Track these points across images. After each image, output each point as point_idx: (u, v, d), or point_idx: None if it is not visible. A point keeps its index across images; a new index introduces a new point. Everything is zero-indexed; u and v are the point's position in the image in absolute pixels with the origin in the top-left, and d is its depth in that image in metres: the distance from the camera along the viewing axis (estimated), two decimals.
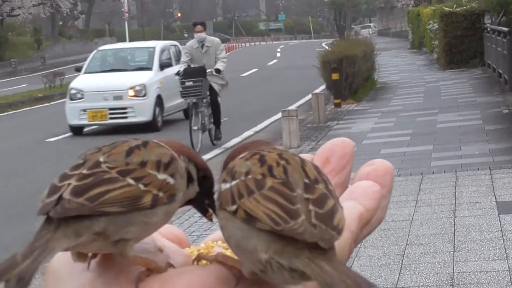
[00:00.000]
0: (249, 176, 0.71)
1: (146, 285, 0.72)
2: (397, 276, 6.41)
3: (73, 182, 0.71)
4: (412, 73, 28.16)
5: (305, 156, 0.83)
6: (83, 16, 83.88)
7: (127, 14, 46.92)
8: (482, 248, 6.90)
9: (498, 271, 6.29)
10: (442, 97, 19.36)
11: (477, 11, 26.51)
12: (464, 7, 26.95)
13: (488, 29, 24.36)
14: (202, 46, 14.63)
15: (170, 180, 0.74)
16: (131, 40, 45.00)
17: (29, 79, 41.79)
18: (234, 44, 71.90)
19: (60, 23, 73.03)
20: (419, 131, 14.05)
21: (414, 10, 43.36)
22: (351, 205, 0.76)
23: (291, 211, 0.69)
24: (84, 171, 0.72)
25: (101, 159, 0.73)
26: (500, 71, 20.87)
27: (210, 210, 0.80)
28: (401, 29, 67.09)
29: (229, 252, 0.76)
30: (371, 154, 12.16)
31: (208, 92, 14.39)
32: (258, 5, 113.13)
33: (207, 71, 14.14)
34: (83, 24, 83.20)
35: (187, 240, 0.84)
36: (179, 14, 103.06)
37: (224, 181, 0.73)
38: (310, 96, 18.23)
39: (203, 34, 14.75)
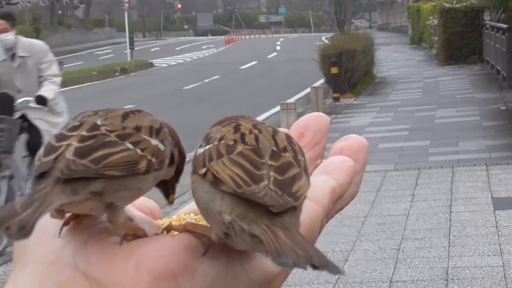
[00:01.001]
0: (222, 142, 0.73)
1: (114, 253, 0.72)
2: (392, 270, 6.44)
3: (74, 143, 0.72)
4: (411, 68, 28.16)
5: (281, 130, 0.84)
6: (82, 5, 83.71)
7: (127, 5, 46.79)
8: (477, 244, 6.93)
9: (493, 266, 6.32)
10: (441, 93, 19.37)
11: (477, 7, 26.52)
12: (464, 4, 26.95)
13: (488, 25, 24.36)
14: (12, 57, 8.31)
15: (161, 146, 0.75)
16: (130, 31, 44.94)
17: None
18: (234, 37, 71.80)
19: (60, 12, 72.90)
20: (417, 126, 14.07)
21: (414, 5, 43.32)
22: (324, 179, 0.77)
23: (255, 175, 0.70)
24: (84, 133, 0.72)
25: (99, 122, 0.74)
26: (499, 68, 20.89)
27: (172, 194, 0.81)
28: (401, 24, 67.02)
29: (201, 224, 0.77)
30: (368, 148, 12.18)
31: (24, 139, 8.31)
32: None
33: (19, 101, 8.06)
34: (83, 13, 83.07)
35: (159, 212, 0.84)
36: (179, 5, 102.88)
37: (200, 146, 0.74)
38: (309, 89, 18.25)
39: (10, 36, 8.27)
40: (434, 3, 32.30)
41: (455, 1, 27.44)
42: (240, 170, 0.70)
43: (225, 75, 31.54)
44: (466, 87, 20.16)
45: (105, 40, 71.63)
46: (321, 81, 22.22)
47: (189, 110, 19.87)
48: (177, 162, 0.80)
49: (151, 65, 41.04)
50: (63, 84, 29.31)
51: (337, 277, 6.40)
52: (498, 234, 7.16)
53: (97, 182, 0.71)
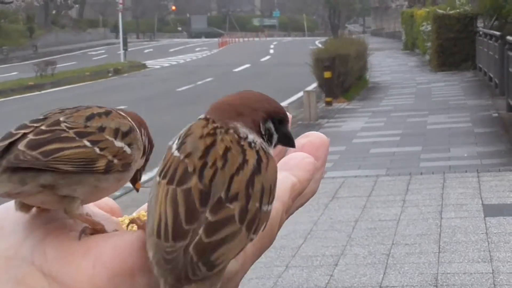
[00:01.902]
0: (186, 160, 0.71)
1: (72, 249, 0.72)
2: (382, 275, 6.44)
3: (30, 135, 0.72)
4: (404, 74, 28.19)
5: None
6: (77, 5, 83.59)
7: (121, 5, 46.73)
8: (467, 250, 6.93)
9: (482, 273, 6.33)
10: (433, 99, 19.39)
11: (470, 14, 26.58)
12: (458, 10, 27.01)
13: (481, 32, 24.41)
14: None
15: (127, 149, 0.76)
16: (124, 31, 44.90)
17: (20, 67, 41.66)
18: (228, 39, 71.79)
19: (54, 12, 72.77)
20: (409, 131, 14.08)
21: (408, 11, 43.39)
22: (284, 176, 0.77)
23: (180, 230, 0.68)
24: (43, 127, 0.73)
25: (62, 119, 0.74)
26: (491, 75, 20.93)
27: (139, 181, 0.82)
28: (395, 29, 67.12)
29: None
30: (360, 153, 12.19)
31: None
32: (252, 1, 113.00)
33: None
34: (77, 14, 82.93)
35: (119, 210, 0.84)
36: (173, 7, 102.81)
37: (173, 142, 0.74)
38: (301, 93, 18.24)
39: None
40: (428, 9, 32.35)
41: (448, 8, 27.49)
42: (172, 215, 0.69)
43: (218, 77, 31.53)
44: (458, 93, 20.19)
45: (99, 40, 71.53)
46: (314, 85, 22.22)
47: (181, 111, 19.85)
48: (147, 153, 0.81)
49: (144, 66, 41.00)
50: (56, 84, 29.06)
51: (327, 281, 6.39)
52: (488, 241, 7.16)
53: (47, 174, 0.71)
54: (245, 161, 0.72)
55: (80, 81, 31.90)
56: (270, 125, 0.77)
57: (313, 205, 8.87)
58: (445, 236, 7.38)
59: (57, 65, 33.53)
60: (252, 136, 0.75)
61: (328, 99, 19.42)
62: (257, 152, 0.73)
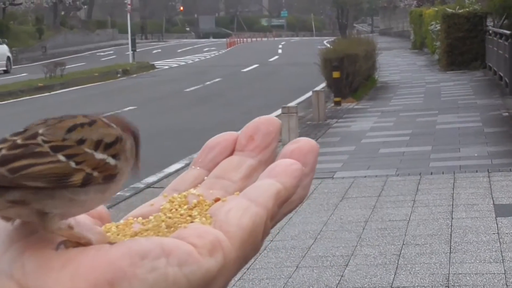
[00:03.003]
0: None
1: (50, 262, 0.71)
2: (393, 276, 6.41)
3: (4, 150, 0.70)
4: (413, 73, 28.15)
5: (229, 133, 0.84)
6: (85, 7, 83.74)
7: (129, 6, 46.80)
8: (479, 250, 6.89)
9: (494, 273, 6.29)
10: (442, 98, 19.35)
11: (480, 13, 26.51)
12: (467, 9, 26.94)
13: (490, 31, 24.35)
14: None
15: (110, 161, 0.73)
16: (133, 32, 44.97)
17: (29, 68, 41.77)
18: (236, 39, 71.82)
19: (62, 13, 72.94)
20: (419, 131, 14.04)
21: (416, 10, 43.34)
22: (269, 183, 0.76)
23: None
24: (19, 141, 0.71)
25: (40, 131, 0.72)
26: (501, 74, 20.86)
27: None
28: (403, 29, 67.04)
29: (149, 227, 0.76)
30: (370, 153, 12.16)
31: None
32: (260, 1, 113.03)
33: None
34: (85, 15, 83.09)
35: (108, 216, 0.83)
36: (181, 8, 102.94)
37: None
38: (310, 93, 18.22)
39: None
40: (436, 8, 32.29)
41: (457, 7, 27.43)
42: None
43: (226, 77, 31.53)
44: (468, 93, 20.14)
45: (107, 41, 71.68)
46: (323, 85, 22.19)
47: (190, 112, 19.85)
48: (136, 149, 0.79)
49: (153, 67, 41.04)
50: (66, 85, 29.41)
51: (337, 282, 6.37)
52: (499, 241, 7.12)
53: (15, 191, 0.70)
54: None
55: (89, 82, 31.95)
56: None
57: (323, 205, 8.85)
58: (456, 236, 7.35)
59: (66, 66, 33.59)
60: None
61: (337, 99, 19.40)
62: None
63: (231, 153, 0.84)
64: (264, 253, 7.12)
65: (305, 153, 0.80)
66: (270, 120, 0.84)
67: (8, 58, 42.22)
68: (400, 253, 6.95)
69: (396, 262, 6.73)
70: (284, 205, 0.77)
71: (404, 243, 7.26)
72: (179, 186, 0.83)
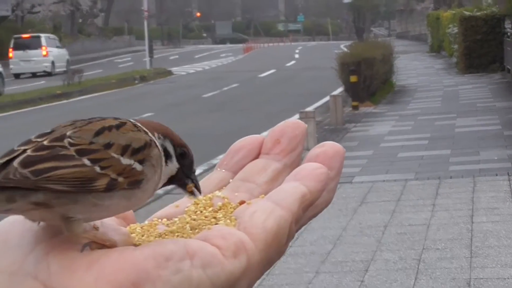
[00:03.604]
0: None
1: (75, 264, 0.71)
2: (413, 280, 6.37)
3: (29, 151, 0.70)
4: (430, 76, 28.06)
5: (254, 136, 0.84)
6: (102, 14, 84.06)
7: (146, 13, 46.91)
8: (500, 255, 6.84)
9: None
10: (461, 101, 19.27)
11: (498, 15, 26.39)
12: (485, 11, 26.84)
13: (509, 33, 24.23)
14: None
15: (137, 166, 0.73)
16: (150, 38, 45.11)
17: (47, 75, 41.97)
18: (253, 45, 71.87)
19: (80, 20, 73.26)
20: (437, 135, 13.98)
21: (433, 13, 43.22)
22: (294, 186, 0.76)
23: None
24: (45, 142, 0.71)
25: (68, 133, 0.72)
26: None
27: (190, 183, 0.79)
28: (420, 32, 66.89)
29: (173, 229, 0.76)
30: (388, 157, 12.12)
31: None
32: (277, 6, 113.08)
33: None
34: (103, 22, 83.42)
35: (132, 216, 0.83)
36: (198, 14, 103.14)
37: None
38: (327, 98, 18.20)
39: None
40: (454, 11, 32.20)
41: (475, 9, 27.32)
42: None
43: (243, 83, 31.55)
44: (486, 95, 20.04)
45: (124, 48, 71.91)
46: (340, 89, 22.15)
47: (208, 117, 19.87)
48: (176, 155, 0.78)
49: (170, 73, 41.12)
50: (84, 92, 29.63)
51: (357, 287, 6.34)
52: None
53: (38, 193, 0.69)
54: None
55: (107, 89, 32.05)
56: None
57: (342, 210, 8.82)
58: (477, 241, 7.30)
59: (84, 73, 33.71)
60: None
61: (355, 103, 19.36)
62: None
63: (257, 156, 0.84)
64: (284, 259, 7.10)
65: (331, 157, 0.80)
66: (296, 123, 0.84)
67: (68, 60, 44.60)
68: (420, 258, 6.91)
69: (417, 267, 6.70)
70: (309, 209, 0.78)
71: (424, 247, 7.22)
72: (204, 188, 0.82)
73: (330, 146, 0.81)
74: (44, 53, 43.62)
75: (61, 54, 44.93)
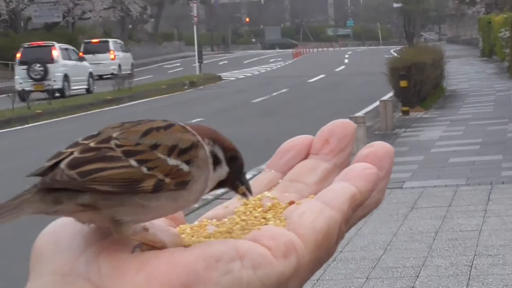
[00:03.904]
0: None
1: (126, 265, 0.71)
2: (465, 287, 6.31)
3: (76, 153, 0.70)
4: (482, 81, 27.78)
5: (304, 137, 0.84)
6: (152, 19, 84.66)
7: (195, 18, 47.09)
8: None
9: None
10: None
11: None
12: None
13: None
14: None
15: (184, 167, 0.73)
16: (199, 44, 45.37)
17: (97, 81, 42.40)
18: (302, 50, 71.80)
19: (130, 26, 73.88)
20: (489, 140, 13.84)
21: (485, 17, 42.81)
22: (344, 186, 0.76)
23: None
24: (92, 144, 0.71)
25: (114, 135, 0.72)
26: None
27: (241, 185, 0.78)
28: (471, 36, 66.28)
29: (222, 230, 0.76)
30: (439, 162, 12.02)
31: None
32: (326, 11, 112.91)
33: None
34: (152, 27, 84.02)
35: (182, 217, 0.83)
36: (247, 19, 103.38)
37: None
38: (377, 103, 18.12)
39: None
40: (505, 15, 31.84)
41: None
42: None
43: (293, 88, 31.53)
44: None
45: (174, 53, 72.32)
46: (390, 94, 22.04)
47: (257, 122, 19.90)
48: (226, 159, 0.77)
49: (220, 78, 41.25)
50: (133, 98, 29.79)
51: None
52: None
53: (85, 194, 0.70)
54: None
55: (157, 94, 32.24)
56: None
57: (392, 216, 8.77)
58: None
59: (134, 79, 33.97)
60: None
61: (405, 108, 19.24)
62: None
63: (306, 156, 0.84)
64: (334, 264, 7.08)
65: (381, 157, 0.79)
66: (345, 123, 0.84)
67: (132, 64, 46.43)
68: (472, 264, 6.85)
69: (468, 273, 6.63)
70: (359, 209, 0.77)
71: (476, 253, 7.15)
72: (253, 188, 0.82)
73: (379, 146, 0.80)
74: (111, 56, 45.80)
75: (127, 57, 46.55)
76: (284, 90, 30.53)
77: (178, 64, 57.77)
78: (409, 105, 19.31)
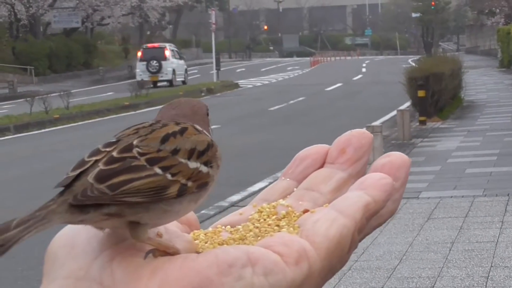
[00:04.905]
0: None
1: (139, 270, 0.72)
2: None
3: (100, 164, 0.71)
4: (500, 92, 27.69)
5: (320, 146, 0.84)
6: (170, 26, 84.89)
7: (214, 26, 47.24)
8: None
9: None
10: None
11: None
12: None
13: None
14: None
15: (203, 169, 0.73)
16: (217, 51, 45.47)
17: (115, 87, 42.53)
18: (320, 58, 71.80)
19: (148, 32, 74.10)
20: (507, 151, 13.77)
21: (504, 28, 42.69)
22: (358, 195, 0.76)
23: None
24: (114, 153, 0.71)
25: (135, 143, 0.72)
26: None
27: None
28: (490, 47, 66.08)
29: (236, 237, 0.77)
30: (456, 172, 11.98)
31: None
32: (344, 20, 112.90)
33: None
34: (171, 34, 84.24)
35: (196, 222, 0.83)
36: (265, 27, 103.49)
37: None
38: (395, 112, 18.07)
39: None
40: None
41: None
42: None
43: (310, 96, 31.52)
44: None
45: (192, 60, 72.50)
46: (408, 104, 21.99)
47: (274, 130, 19.89)
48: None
49: (237, 85, 41.31)
50: (151, 104, 29.92)
51: None
52: None
53: (112, 205, 0.70)
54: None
55: None
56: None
57: (408, 225, 8.74)
58: None
59: (151, 85, 34.06)
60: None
61: (422, 118, 19.19)
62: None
63: (322, 166, 0.83)
64: (349, 274, 7.06)
65: (397, 168, 0.79)
66: (362, 133, 0.83)
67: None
68: (488, 276, 6.81)
69: (484, 284, 6.59)
70: (373, 219, 0.77)
71: (493, 265, 7.11)
72: (268, 196, 0.83)
73: (396, 157, 0.80)
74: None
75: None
76: (301, 98, 30.52)
77: (196, 71, 57.88)
78: (426, 115, 19.26)
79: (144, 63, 44.10)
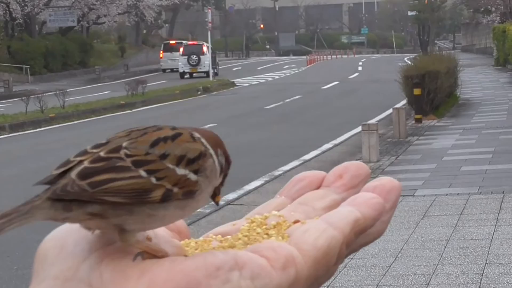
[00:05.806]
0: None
1: (127, 272, 0.72)
2: None
3: (86, 162, 0.71)
4: (495, 90, 27.71)
5: (318, 171, 0.85)
6: (167, 25, 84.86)
7: (210, 25, 47.26)
8: None
9: None
10: None
11: None
12: None
13: None
14: None
15: (192, 176, 0.73)
16: (213, 50, 45.49)
17: (112, 86, 42.49)
18: (316, 57, 71.79)
19: (144, 31, 74.06)
20: (502, 149, 13.80)
21: (500, 26, 42.71)
22: (348, 210, 0.77)
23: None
24: (102, 153, 0.71)
25: (124, 144, 0.72)
26: None
27: (218, 194, 0.79)
28: (486, 45, 66.14)
29: (225, 245, 0.77)
30: (451, 170, 12.00)
31: None
32: (341, 18, 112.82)
33: None
34: (167, 33, 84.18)
35: (187, 231, 0.83)
36: (262, 26, 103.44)
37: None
38: (390, 110, 18.10)
39: None
40: None
41: None
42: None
43: (306, 95, 31.53)
44: None
45: None
46: (403, 102, 22.02)
47: (270, 129, 19.90)
48: (225, 169, 0.79)
49: (233, 84, 41.30)
50: (147, 103, 29.88)
51: None
52: None
53: (94, 204, 0.70)
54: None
55: (170, 100, 32.30)
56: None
57: (404, 223, 8.75)
58: None
59: (148, 84, 34.04)
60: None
61: (418, 116, 19.21)
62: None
63: (318, 188, 0.85)
64: (344, 271, 7.07)
65: (388, 191, 0.81)
66: (360, 165, 0.85)
67: (218, 63, 53.10)
68: (483, 273, 6.82)
69: (479, 281, 6.61)
70: (361, 236, 0.78)
71: (487, 262, 7.13)
72: (263, 211, 0.84)
73: (387, 181, 0.82)
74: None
75: (214, 58, 50.91)
76: (297, 97, 30.53)
77: None
78: (422, 113, 19.29)
79: (185, 57, 51.41)
